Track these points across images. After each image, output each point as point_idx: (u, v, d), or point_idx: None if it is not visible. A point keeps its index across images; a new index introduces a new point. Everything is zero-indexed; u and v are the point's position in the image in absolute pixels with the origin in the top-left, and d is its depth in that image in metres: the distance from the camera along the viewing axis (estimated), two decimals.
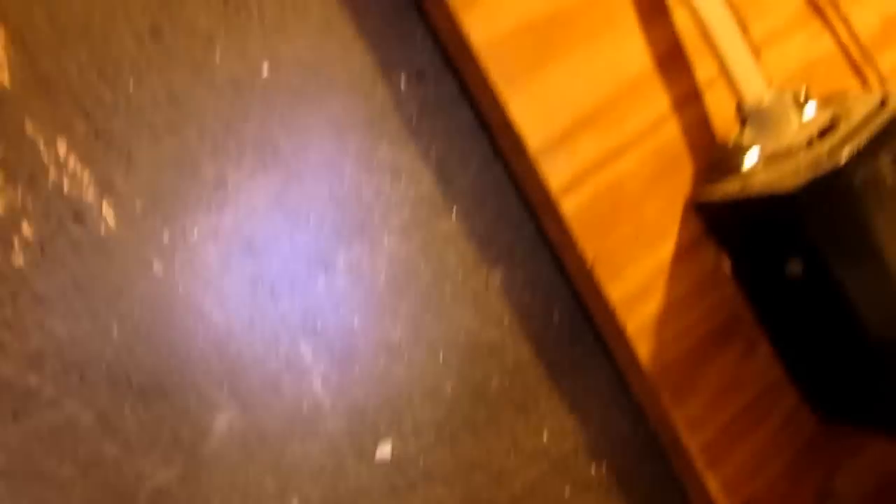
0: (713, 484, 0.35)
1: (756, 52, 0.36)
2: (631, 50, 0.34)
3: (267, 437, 0.32)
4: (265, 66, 0.32)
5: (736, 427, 0.36)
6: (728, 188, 0.33)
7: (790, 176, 0.30)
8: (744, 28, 0.34)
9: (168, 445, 0.31)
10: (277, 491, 0.32)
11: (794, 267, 0.32)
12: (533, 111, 0.32)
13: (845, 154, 0.29)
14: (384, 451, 0.34)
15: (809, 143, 0.31)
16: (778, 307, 0.35)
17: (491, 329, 0.35)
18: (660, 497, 0.37)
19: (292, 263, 0.33)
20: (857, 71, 0.39)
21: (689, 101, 0.35)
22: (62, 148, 0.30)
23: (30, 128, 0.30)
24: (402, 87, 0.34)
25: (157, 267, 0.31)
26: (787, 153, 0.32)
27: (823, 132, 0.32)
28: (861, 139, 0.30)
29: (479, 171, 0.35)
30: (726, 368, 0.36)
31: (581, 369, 0.37)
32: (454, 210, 0.34)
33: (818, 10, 0.38)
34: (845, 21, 0.38)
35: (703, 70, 0.35)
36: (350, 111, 0.33)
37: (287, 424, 0.32)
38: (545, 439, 0.36)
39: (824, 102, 0.34)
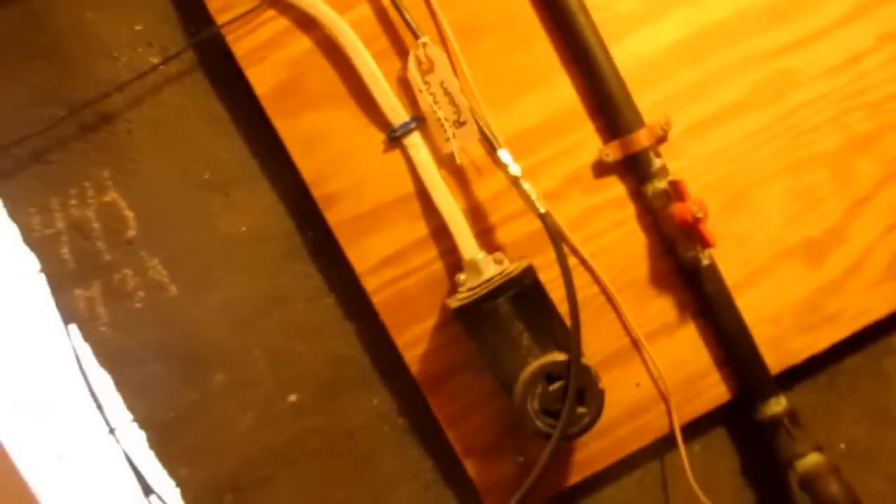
0: (451, 434, 0.72)
1: (490, 230, 0.71)
2: (421, 225, 0.71)
3: None
4: None
5: (463, 412, 0.72)
6: (449, 301, 0.69)
7: (459, 301, 0.66)
8: (481, 214, 0.70)
9: None
10: None
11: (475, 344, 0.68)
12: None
13: (474, 297, 0.65)
14: None
15: (479, 286, 0.66)
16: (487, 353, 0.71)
17: None
18: None
19: None
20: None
21: (453, 251, 0.71)
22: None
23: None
24: None
25: None
26: (473, 288, 0.68)
27: (489, 280, 0.67)
28: (492, 286, 0.65)
29: None
30: (463, 381, 0.72)
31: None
32: None
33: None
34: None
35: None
36: None
37: None
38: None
39: (508, 262, 0.69)
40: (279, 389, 0.75)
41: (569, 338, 0.65)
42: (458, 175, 0.71)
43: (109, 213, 0.73)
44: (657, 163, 0.70)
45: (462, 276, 0.70)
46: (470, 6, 0.70)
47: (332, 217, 0.71)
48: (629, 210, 0.73)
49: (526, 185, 0.66)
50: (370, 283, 0.72)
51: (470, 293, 0.67)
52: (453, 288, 0.72)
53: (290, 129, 0.70)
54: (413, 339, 0.72)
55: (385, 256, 0.72)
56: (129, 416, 0.74)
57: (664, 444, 0.74)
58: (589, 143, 0.72)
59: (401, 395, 0.76)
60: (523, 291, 0.66)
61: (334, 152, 0.71)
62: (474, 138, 0.68)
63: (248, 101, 0.71)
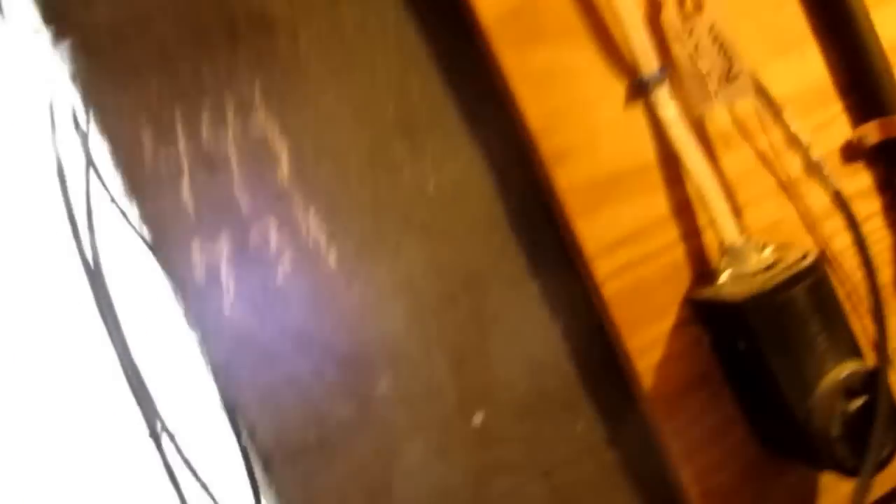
0: (685, 473, 0.55)
1: (738, 212, 0.58)
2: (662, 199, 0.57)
3: None
4: None
5: (701, 440, 0.56)
6: (706, 293, 0.55)
7: (742, 291, 0.52)
8: (728, 192, 0.57)
9: None
10: None
11: (741, 344, 0.53)
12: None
13: (770, 285, 0.51)
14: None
15: (755, 274, 0.53)
16: (736, 372, 0.56)
17: None
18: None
19: None
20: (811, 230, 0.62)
21: (695, 234, 0.58)
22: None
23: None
24: None
25: None
26: (744, 277, 0.54)
27: (769, 268, 0.54)
28: (786, 275, 0.52)
29: None
30: (701, 400, 0.56)
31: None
32: None
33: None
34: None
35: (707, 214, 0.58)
36: None
37: None
38: None
39: (775, 249, 0.56)
40: (462, 406, 0.55)
41: (857, 343, 0.53)
42: (703, 144, 0.59)
43: (254, 144, 0.52)
44: None
45: (722, 263, 0.56)
46: None
47: (563, 178, 0.55)
48: (874, 204, 0.63)
49: (816, 157, 0.55)
50: (601, 268, 0.55)
51: (753, 282, 0.53)
52: (695, 280, 0.58)
53: (520, 65, 0.54)
54: (648, 343, 0.56)
55: (621, 235, 0.56)
56: (245, 434, 0.50)
57: None
58: (836, 124, 0.63)
59: (610, 420, 0.58)
60: (816, 284, 0.53)
61: (568, 100, 0.56)
62: (748, 94, 0.56)
63: (455, 29, 0.55)
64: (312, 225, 0.53)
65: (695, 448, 0.57)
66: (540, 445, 0.56)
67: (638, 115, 0.57)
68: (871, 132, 0.62)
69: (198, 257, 0.51)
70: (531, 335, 0.57)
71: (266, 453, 0.50)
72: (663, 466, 0.58)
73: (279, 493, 0.50)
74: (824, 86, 0.63)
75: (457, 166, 0.56)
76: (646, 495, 0.58)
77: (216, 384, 0.50)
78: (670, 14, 0.57)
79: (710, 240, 0.58)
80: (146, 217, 0.50)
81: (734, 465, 0.58)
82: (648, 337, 0.56)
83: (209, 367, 0.50)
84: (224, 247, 0.51)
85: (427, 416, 0.54)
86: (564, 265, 0.57)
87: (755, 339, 0.52)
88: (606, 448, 0.58)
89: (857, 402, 0.52)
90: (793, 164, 0.61)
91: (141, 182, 0.50)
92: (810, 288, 0.52)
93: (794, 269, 0.52)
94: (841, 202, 0.55)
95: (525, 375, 0.57)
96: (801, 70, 0.62)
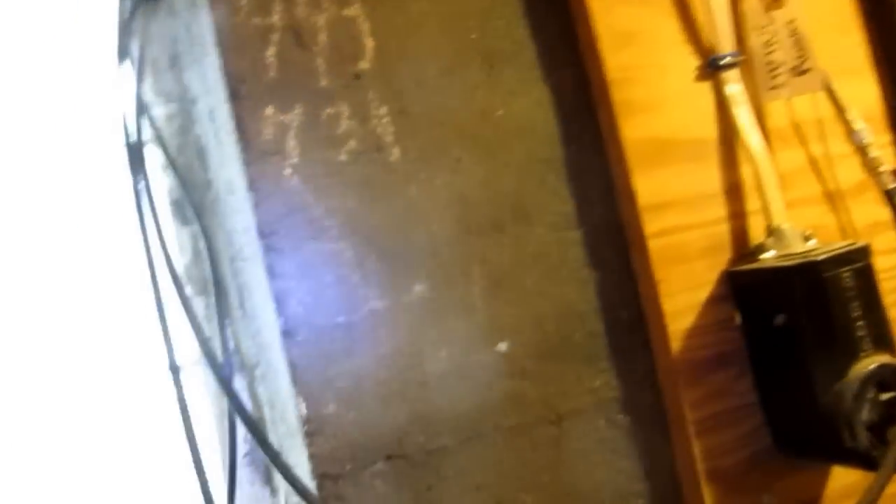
0: (695, 447, 0.54)
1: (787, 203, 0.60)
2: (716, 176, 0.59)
3: None
4: None
5: (717, 419, 0.55)
6: (751, 265, 0.56)
7: (790, 262, 0.53)
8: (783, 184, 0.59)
9: None
10: None
11: (780, 318, 0.53)
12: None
13: (821, 257, 0.52)
14: None
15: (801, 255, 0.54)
16: (764, 353, 0.56)
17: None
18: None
19: None
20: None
21: (741, 216, 0.59)
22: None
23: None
24: None
25: None
26: (790, 257, 0.55)
27: (812, 250, 0.55)
28: (832, 254, 0.53)
29: None
30: (725, 378, 0.56)
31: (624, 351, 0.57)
32: None
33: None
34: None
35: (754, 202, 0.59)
36: None
37: None
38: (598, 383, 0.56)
39: (819, 243, 0.57)
40: (490, 329, 0.54)
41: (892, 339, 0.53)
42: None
43: (344, 31, 0.53)
44: None
45: (768, 242, 0.57)
46: None
47: (629, 130, 0.56)
48: None
49: (874, 154, 0.56)
50: (650, 224, 0.56)
51: (800, 258, 0.53)
52: (735, 259, 0.58)
53: (606, 17, 0.57)
54: (682, 309, 0.56)
55: (673, 198, 0.57)
56: (271, 307, 0.49)
57: None
58: (884, 155, 0.65)
59: (628, 383, 0.57)
60: (862, 270, 0.53)
61: (645, 60, 0.58)
62: (815, 88, 0.59)
63: None
64: (382, 121, 0.54)
65: (709, 425, 0.56)
66: (556, 391, 0.55)
67: (706, 90, 0.59)
68: None
69: (269, 121, 0.51)
70: (567, 281, 0.57)
71: (294, 324, 0.49)
72: (672, 441, 0.57)
73: (297, 364, 0.48)
74: (877, 115, 0.65)
75: (527, 101, 0.58)
76: (650, 465, 0.57)
77: (261, 244, 0.49)
78: (753, 3, 0.59)
79: (754, 225, 0.59)
80: (228, 72, 0.51)
81: (744, 451, 0.57)
82: (683, 303, 0.56)
83: (257, 227, 0.49)
84: (295, 117, 0.52)
85: (454, 332, 0.53)
86: (611, 219, 0.58)
87: (796, 311, 0.52)
88: (620, 410, 0.57)
89: (885, 396, 0.52)
90: (844, 175, 0.63)
91: (230, 36, 0.51)
92: (856, 271, 0.53)
93: (842, 251, 0.53)
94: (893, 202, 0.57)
95: (554, 318, 0.56)
96: (856, 96, 0.65)
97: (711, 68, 0.59)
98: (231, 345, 0.56)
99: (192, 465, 0.48)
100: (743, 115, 0.58)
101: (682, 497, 0.56)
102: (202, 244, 0.56)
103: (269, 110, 0.51)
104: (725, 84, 0.59)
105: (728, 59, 0.58)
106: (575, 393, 0.56)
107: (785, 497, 0.57)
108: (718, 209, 0.58)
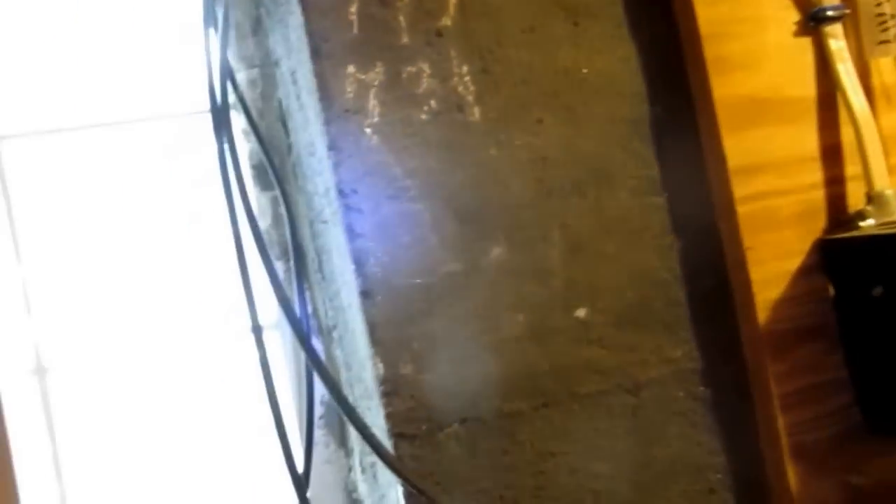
0: (780, 422, 0.52)
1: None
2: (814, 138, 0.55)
3: None
4: None
5: (804, 394, 0.53)
6: (848, 234, 0.53)
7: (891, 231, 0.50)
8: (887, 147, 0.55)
9: None
10: None
11: (877, 290, 0.50)
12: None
13: None
14: None
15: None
16: (858, 327, 0.53)
17: None
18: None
19: None
20: None
21: (840, 182, 0.55)
22: None
23: None
24: None
25: None
26: (891, 224, 0.51)
27: None
28: None
29: None
30: (813, 352, 0.53)
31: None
32: None
33: None
34: None
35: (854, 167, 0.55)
36: None
37: None
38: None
39: None
40: (568, 294, 0.53)
41: None
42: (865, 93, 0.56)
43: None
44: None
45: (867, 209, 0.53)
46: None
47: (720, 88, 0.53)
48: None
49: None
50: (741, 188, 0.53)
51: None
52: (829, 228, 0.55)
53: None
54: (771, 278, 0.54)
55: (766, 161, 0.54)
56: (350, 268, 0.50)
57: None
58: None
59: (710, 354, 0.56)
60: None
61: (741, 12, 0.54)
62: None
63: None
64: (463, 79, 0.52)
65: (795, 400, 0.54)
66: (634, 360, 0.54)
67: (806, 46, 0.55)
68: None
69: (351, 79, 0.50)
70: (649, 247, 0.55)
71: (372, 285, 0.49)
72: (754, 416, 0.55)
73: (375, 324, 0.49)
74: None
75: (612, 58, 0.55)
76: (730, 440, 0.55)
77: (340, 204, 0.49)
78: None
79: (853, 191, 0.56)
80: (310, 30, 0.50)
81: (832, 429, 0.54)
82: (772, 271, 0.54)
83: (338, 185, 0.49)
84: (377, 76, 0.51)
85: (531, 296, 0.52)
86: (697, 183, 0.55)
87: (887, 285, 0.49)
88: (700, 382, 0.55)
89: None
90: None
91: None
92: None
93: None
94: None
95: (635, 285, 0.55)
96: None
97: (813, 22, 0.55)
98: (309, 308, 0.56)
99: (272, 424, 0.49)
100: (846, 73, 0.54)
101: (764, 474, 0.54)
102: (282, 209, 0.57)
103: (351, 68, 0.50)
104: (828, 39, 0.55)
105: (832, 12, 0.54)
106: (654, 362, 0.55)
107: (874, 478, 0.54)
108: (814, 174, 0.55)
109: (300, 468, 0.50)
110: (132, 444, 0.59)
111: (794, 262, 0.54)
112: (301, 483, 0.47)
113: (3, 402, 0.44)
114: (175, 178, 0.60)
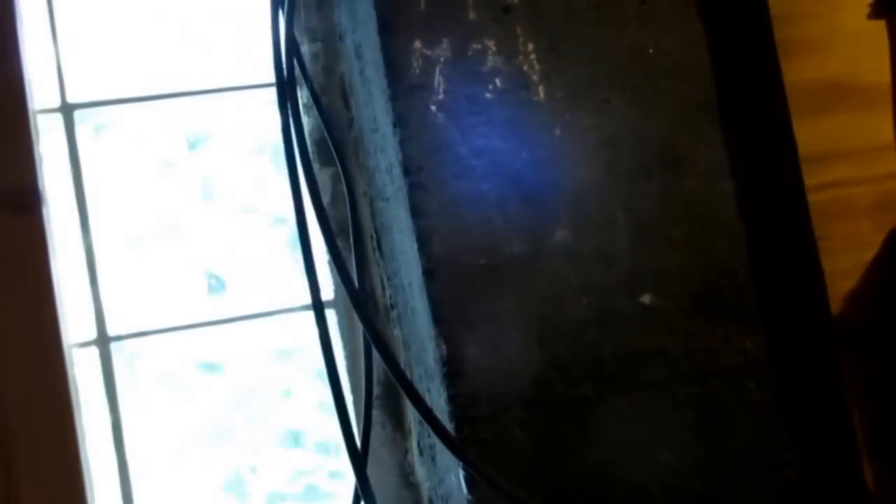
0: (856, 417, 0.50)
1: None
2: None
3: None
4: None
5: (881, 389, 0.51)
6: None
7: None
8: None
9: None
10: None
11: None
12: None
13: None
14: None
15: None
16: None
17: None
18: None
19: None
20: None
21: None
22: None
23: None
24: None
25: None
26: None
27: None
28: None
29: None
30: (889, 346, 0.51)
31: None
32: None
33: None
34: None
35: None
36: None
37: None
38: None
39: None
40: (634, 279, 0.51)
41: None
42: None
43: None
44: None
45: None
46: None
47: (793, 72, 0.52)
48: None
49: None
50: (813, 176, 0.52)
51: None
52: None
53: None
54: (845, 269, 0.52)
55: (841, 150, 0.53)
56: (413, 247, 0.49)
57: None
58: None
59: (782, 345, 0.54)
60: None
61: None
62: None
63: None
64: (529, 57, 0.52)
65: (872, 395, 0.52)
66: (702, 348, 0.52)
67: (882, 29, 0.54)
68: None
69: (417, 54, 0.50)
70: (717, 234, 0.53)
71: (436, 264, 0.48)
72: (829, 410, 0.53)
73: (439, 304, 0.48)
74: None
75: (681, 37, 0.54)
76: (803, 434, 0.53)
77: (405, 181, 0.48)
78: None
79: None
80: (379, 4, 0.49)
81: None
82: (846, 262, 0.52)
83: (403, 163, 0.48)
84: (443, 52, 0.50)
85: (596, 280, 0.51)
86: (768, 169, 0.54)
87: None
88: (770, 373, 0.53)
89: None
90: None
91: None
92: None
93: None
94: None
95: (703, 271, 0.53)
96: None
97: (890, 3, 0.54)
98: (367, 286, 0.56)
99: (333, 403, 0.48)
100: None
101: (839, 471, 0.52)
102: (342, 185, 0.56)
103: (418, 44, 0.50)
104: None
105: None
106: (722, 352, 0.53)
107: None
108: (891, 163, 0.54)
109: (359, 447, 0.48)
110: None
111: (869, 253, 0.53)
112: (360, 461, 0.46)
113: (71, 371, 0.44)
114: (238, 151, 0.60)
